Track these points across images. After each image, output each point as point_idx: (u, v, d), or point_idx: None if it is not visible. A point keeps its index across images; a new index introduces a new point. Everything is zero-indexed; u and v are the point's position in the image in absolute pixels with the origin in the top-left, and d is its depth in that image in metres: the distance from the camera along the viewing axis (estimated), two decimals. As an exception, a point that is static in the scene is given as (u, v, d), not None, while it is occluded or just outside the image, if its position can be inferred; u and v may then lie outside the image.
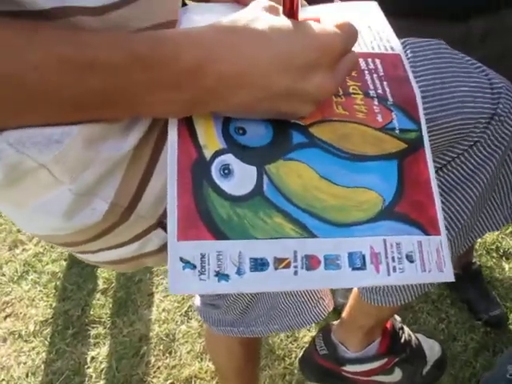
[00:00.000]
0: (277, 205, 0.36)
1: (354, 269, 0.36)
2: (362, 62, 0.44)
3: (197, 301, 0.90)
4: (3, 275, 1.73)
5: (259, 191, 0.37)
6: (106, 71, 0.31)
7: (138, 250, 0.43)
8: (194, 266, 0.34)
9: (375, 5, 0.52)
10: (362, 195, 0.38)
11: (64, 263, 1.71)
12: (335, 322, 0.84)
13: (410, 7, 0.82)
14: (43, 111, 0.32)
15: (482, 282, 1.42)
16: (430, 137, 0.45)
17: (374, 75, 0.43)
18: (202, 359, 1.32)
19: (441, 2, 0.81)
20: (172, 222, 0.35)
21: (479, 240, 1.57)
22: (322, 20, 0.38)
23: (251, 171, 0.37)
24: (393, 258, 0.37)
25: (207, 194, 0.36)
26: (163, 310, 1.49)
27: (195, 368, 1.31)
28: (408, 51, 0.50)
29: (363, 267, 0.36)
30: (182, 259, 0.34)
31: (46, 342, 1.45)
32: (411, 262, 0.37)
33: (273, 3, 0.37)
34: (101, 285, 1.61)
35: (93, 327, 1.47)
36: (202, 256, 0.34)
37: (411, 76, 0.44)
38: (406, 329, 0.88)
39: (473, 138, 0.51)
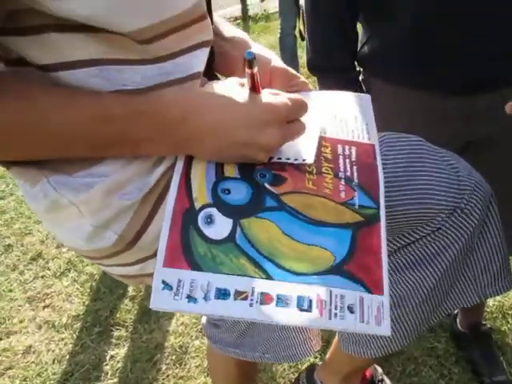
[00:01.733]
0: (244, 250, 0.47)
1: (301, 310, 0.46)
2: (340, 147, 0.55)
3: (203, 319, 1.01)
4: (48, 269, 1.92)
5: (232, 238, 0.48)
6: (121, 122, 0.45)
7: (139, 271, 0.56)
8: (171, 288, 0.45)
9: (368, 98, 0.62)
10: (317, 252, 0.48)
11: (101, 267, 1.88)
12: (320, 363, 0.92)
13: (422, 80, 0.91)
14: (72, 151, 0.46)
15: (491, 344, 1.42)
16: (392, 218, 0.54)
17: (347, 160, 0.54)
18: (208, 374, 1.41)
19: (449, 76, 0.89)
20: (161, 252, 0.46)
21: (496, 303, 1.58)
22: (281, 93, 0.51)
23: (228, 222, 0.48)
24: (335, 307, 0.47)
25: (192, 235, 0.47)
26: (182, 323, 1.61)
27: (201, 382, 1.41)
28: (384, 144, 0.60)
29: (309, 309, 0.46)
30: (163, 281, 0.45)
31: (75, 336, 1.61)
32: (351, 312, 0.47)
33: (244, 80, 0.50)
34: (130, 291, 1.76)
35: (117, 329, 1.61)
36: (179, 281, 0.45)
37: (379, 165, 0.54)
38: (388, 382, 0.94)
39: (435, 225, 0.60)
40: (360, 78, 1.03)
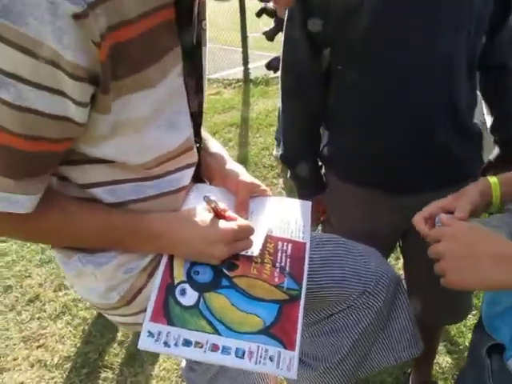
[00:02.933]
0: (204, 314, 0.69)
1: (237, 356, 0.67)
2: (280, 244, 0.78)
3: (183, 363, 1.19)
4: (45, 311, 2.09)
5: (197, 306, 0.69)
6: (122, 231, 0.67)
7: (133, 320, 0.77)
8: (153, 336, 0.66)
9: (309, 204, 0.86)
10: (252, 318, 0.70)
11: (95, 312, 2.05)
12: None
13: (366, 180, 1.14)
14: (91, 244, 0.70)
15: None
16: (316, 297, 0.76)
17: (283, 254, 0.77)
18: (185, 415, 1.57)
19: (386, 177, 1.12)
20: (148, 311, 0.68)
21: (448, 364, 1.76)
22: (237, 219, 0.73)
23: (195, 295, 0.70)
24: (261, 356, 0.67)
25: (170, 302, 0.69)
26: (164, 368, 1.77)
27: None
28: (315, 242, 0.83)
29: (242, 357, 0.67)
30: (149, 331, 0.66)
31: (64, 375, 1.76)
32: (271, 360, 0.68)
33: (209, 209, 0.73)
34: (119, 336, 1.93)
35: (104, 371, 1.77)
36: (159, 332, 0.66)
37: (307, 259, 0.77)
38: None
39: (349, 303, 0.83)
40: (322, 171, 1.28)
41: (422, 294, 1.21)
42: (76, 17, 0.50)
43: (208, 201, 0.71)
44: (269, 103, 4.79)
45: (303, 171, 1.24)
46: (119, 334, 1.94)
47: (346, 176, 1.18)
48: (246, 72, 6.05)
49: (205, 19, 0.73)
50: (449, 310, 1.31)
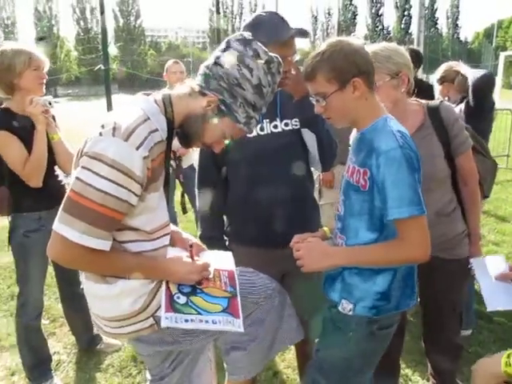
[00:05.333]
0: (191, 306, 1.36)
1: (213, 323, 1.34)
2: (221, 271, 1.49)
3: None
4: None
5: (187, 303, 1.38)
6: (145, 266, 1.37)
7: (139, 327, 1.40)
8: (168, 319, 1.30)
9: (230, 254, 1.61)
10: (216, 305, 1.39)
11: None
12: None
13: (255, 241, 1.90)
14: (128, 274, 1.36)
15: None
16: (242, 298, 1.47)
17: (224, 275, 1.48)
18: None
19: (269, 239, 1.89)
20: (163, 308, 1.34)
21: None
22: (201, 260, 1.47)
23: (185, 298, 1.37)
24: (224, 322, 1.36)
25: (173, 303, 1.34)
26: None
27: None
28: (240, 272, 1.57)
29: (215, 323, 1.34)
30: (165, 317, 1.32)
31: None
32: (230, 323, 1.35)
33: (187, 255, 1.47)
34: None
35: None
36: (171, 317, 1.32)
37: (236, 277, 1.49)
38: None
39: (260, 302, 1.57)
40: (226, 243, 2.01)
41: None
42: (144, 158, 1.24)
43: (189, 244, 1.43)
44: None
45: (215, 244, 1.96)
46: None
47: (239, 242, 1.94)
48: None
49: None
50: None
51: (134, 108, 1.33)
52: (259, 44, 1.39)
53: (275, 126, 1.86)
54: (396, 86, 1.77)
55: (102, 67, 6.51)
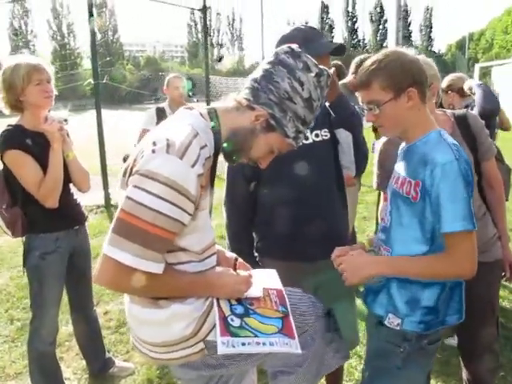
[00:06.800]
0: (246, 328, 1.30)
1: (270, 345, 1.28)
2: (270, 290, 1.44)
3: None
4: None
5: (241, 325, 1.30)
6: (198, 286, 1.32)
7: (189, 352, 1.32)
8: (225, 344, 1.24)
9: (274, 271, 1.55)
10: (271, 326, 1.33)
11: None
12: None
13: (287, 255, 1.86)
14: (182, 294, 1.31)
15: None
16: (296, 316, 1.42)
17: (273, 294, 1.43)
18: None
19: (300, 253, 1.85)
20: (218, 332, 1.27)
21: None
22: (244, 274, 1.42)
23: (239, 320, 1.31)
24: (281, 343, 1.30)
25: (228, 326, 1.27)
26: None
27: None
28: (287, 291, 1.51)
29: (272, 345, 1.28)
30: (222, 342, 1.25)
31: None
32: (286, 345, 1.30)
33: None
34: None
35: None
36: (227, 341, 1.25)
37: (286, 295, 1.44)
38: None
39: (311, 324, 1.51)
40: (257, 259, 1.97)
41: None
42: (199, 175, 1.19)
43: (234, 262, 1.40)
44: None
45: (246, 258, 1.92)
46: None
47: (273, 257, 1.89)
48: (107, 197, 6.49)
49: None
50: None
51: (182, 123, 1.28)
52: (309, 57, 1.36)
53: (306, 138, 1.83)
54: (429, 98, 1.77)
55: (92, 81, 6.41)
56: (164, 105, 4.33)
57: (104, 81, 6.95)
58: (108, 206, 6.42)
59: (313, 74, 1.34)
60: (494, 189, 2.00)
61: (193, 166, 1.19)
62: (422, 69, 1.41)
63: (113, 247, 1.17)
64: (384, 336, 1.50)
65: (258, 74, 1.36)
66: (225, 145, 1.36)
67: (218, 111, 1.35)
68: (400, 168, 1.49)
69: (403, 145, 1.55)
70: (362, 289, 1.60)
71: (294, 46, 1.37)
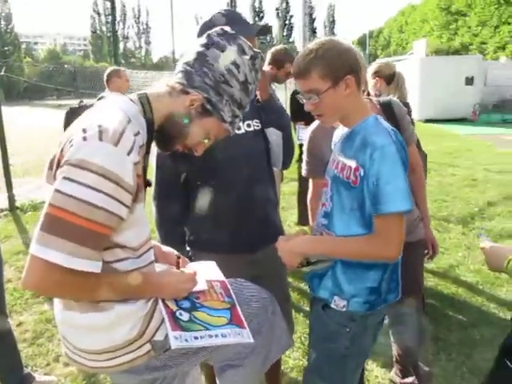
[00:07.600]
0: (197, 322, 1.23)
1: (222, 337, 1.23)
2: (213, 282, 1.37)
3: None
4: None
5: (191, 319, 1.23)
6: (139, 287, 1.20)
7: (133, 356, 1.21)
8: (177, 338, 1.16)
9: (214, 263, 1.49)
10: (220, 318, 1.27)
11: None
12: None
13: (222, 247, 1.80)
14: (115, 296, 1.18)
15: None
16: (241, 305, 1.37)
17: (217, 286, 1.37)
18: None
19: (237, 245, 1.80)
20: (168, 327, 1.19)
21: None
22: (187, 271, 1.35)
23: (187, 314, 1.23)
24: (233, 334, 1.24)
25: (177, 320, 1.20)
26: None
27: None
28: (233, 281, 1.45)
29: (224, 337, 1.23)
30: (174, 337, 1.17)
31: None
32: (239, 335, 1.25)
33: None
34: None
35: None
36: (180, 336, 1.17)
37: (229, 285, 1.38)
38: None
39: (255, 313, 1.47)
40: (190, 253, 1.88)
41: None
42: (135, 164, 1.10)
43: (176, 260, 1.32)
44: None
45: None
46: None
47: (208, 250, 1.82)
48: (12, 200, 5.96)
49: None
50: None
51: (112, 109, 1.17)
52: (243, 39, 1.31)
53: (238, 128, 1.78)
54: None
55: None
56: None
57: (2, 72, 6.29)
58: (13, 208, 5.89)
59: (248, 57, 1.29)
60: (416, 172, 2.09)
61: (128, 153, 1.09)
62: (358, 57, 1.42)
63: (41, 246, 1.03)
64: (330, 318, 1.50)
65: (190, 57, 1.29)
66: (158, 132, 1.26)
67: (149, 97, 1.26)
68: (339, 153, 1.49)
69: (340, 131, 1.56)
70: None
71: (227, 28, 1.31)
